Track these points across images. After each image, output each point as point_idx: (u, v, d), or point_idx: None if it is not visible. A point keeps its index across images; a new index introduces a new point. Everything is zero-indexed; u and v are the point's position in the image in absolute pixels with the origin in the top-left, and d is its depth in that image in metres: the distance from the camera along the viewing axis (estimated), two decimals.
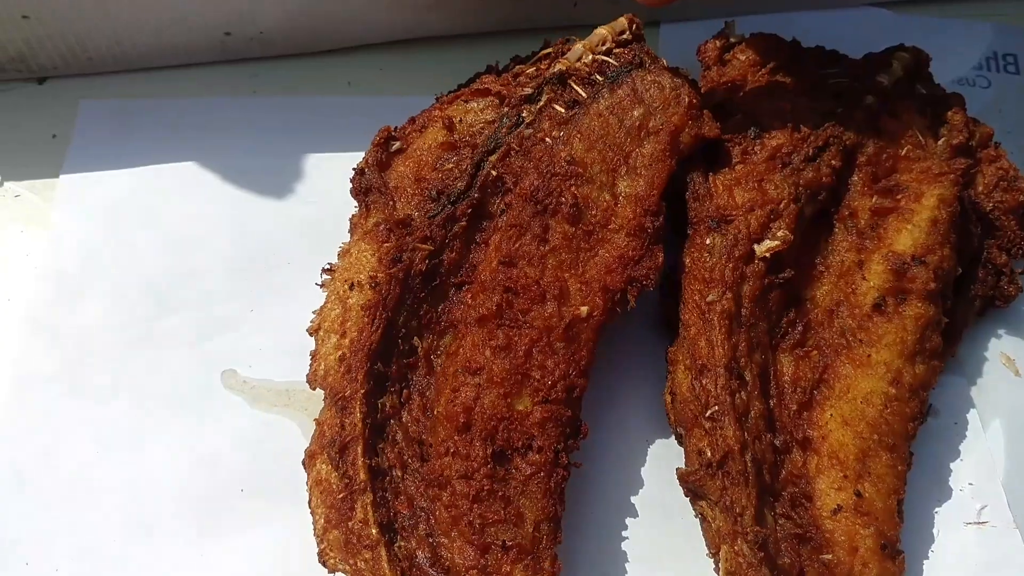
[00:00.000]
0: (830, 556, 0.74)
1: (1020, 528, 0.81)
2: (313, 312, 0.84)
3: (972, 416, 0.87)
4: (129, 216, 0.97)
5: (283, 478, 0.82)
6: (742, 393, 0.78)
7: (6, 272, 0.95)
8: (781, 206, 0.84)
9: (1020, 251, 0.90)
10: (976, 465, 0.84)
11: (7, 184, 1.01)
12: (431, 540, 0.74)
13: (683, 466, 0.79)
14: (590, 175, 0.84)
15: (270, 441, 0.85)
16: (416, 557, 0.74)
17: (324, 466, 0.76)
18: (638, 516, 0.83)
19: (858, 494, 0.75)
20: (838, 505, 0.75)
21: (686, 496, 0.79)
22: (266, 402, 0.87)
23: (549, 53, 0.92)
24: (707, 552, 0.77)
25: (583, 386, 0.79)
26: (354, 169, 0.87)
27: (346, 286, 0.82)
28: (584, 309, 0.80)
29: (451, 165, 0.86)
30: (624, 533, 0.82)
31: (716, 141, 0.88)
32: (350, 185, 0.87)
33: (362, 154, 0.98)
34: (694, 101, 0.86)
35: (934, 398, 0.86)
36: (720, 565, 0.74)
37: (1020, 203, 0.91)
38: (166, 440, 0.85)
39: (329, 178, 0.99)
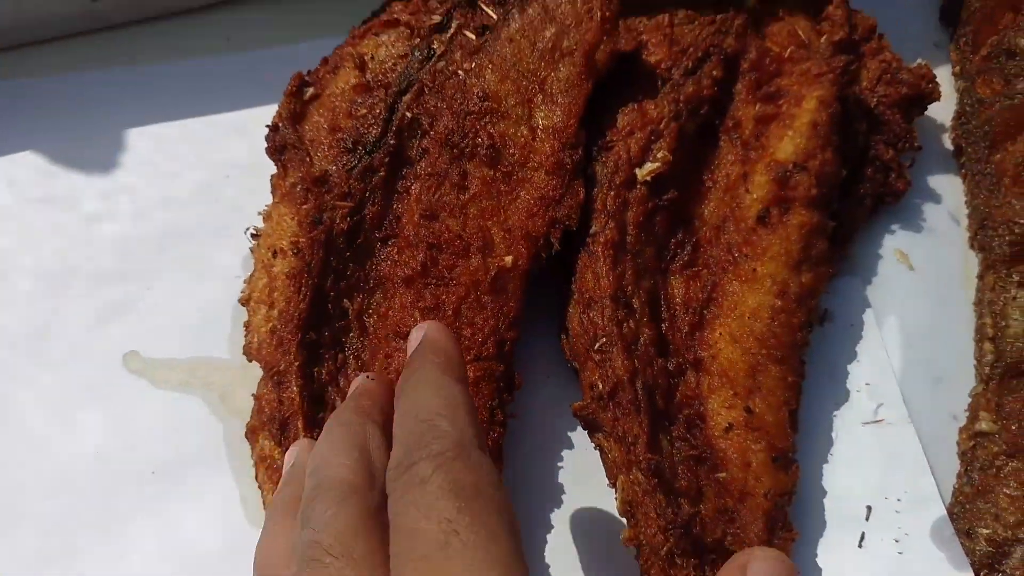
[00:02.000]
0: (724, 474, 0.75)
1: (915, 422, 0.82)
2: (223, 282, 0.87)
3: (868, 315, 0.87)
4: (17, 201, 0.95)
5: (195, 454, 0.83)
6: (630, 322, 0.78)
7: None
8: (661, 126, 0.83)
9: (906, 145, 0.90)
10: (872, 365, 0.85)
11: None
12: None
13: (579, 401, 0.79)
14: (505, 109, 0.81)
15: (177, 419, 0.85)
16: None
17: (267, 442, 0.76)
18: (574, 448, 0.83)
19: (748, 410, 0.76)
20: (729, 423, 0.76)
21: (584, 429, 0.79)
22: (171, 381, 0.86)
23: None
24: (607, 483, 0.78)
25: (513, 338, 0.78)
26: (267, 126, 0.85)
27: (269, 253, 0.81)
28: (508, 259, 0.78)
29: (365, 110, 0.83)
30: (560, 465, 0.83)
31: (632, 55, 0.85)
32: (265, 144, 0.84)
33: (251, 111, 0.97)
34: (607, 14, 0.81)
35: (829, 302, 0.87)
36: (617, 495, 0.75)
37: (904, 96, 0.90)
38: (74, 428, 0.84)
39: (219, 142, 0.97)
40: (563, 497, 0.81)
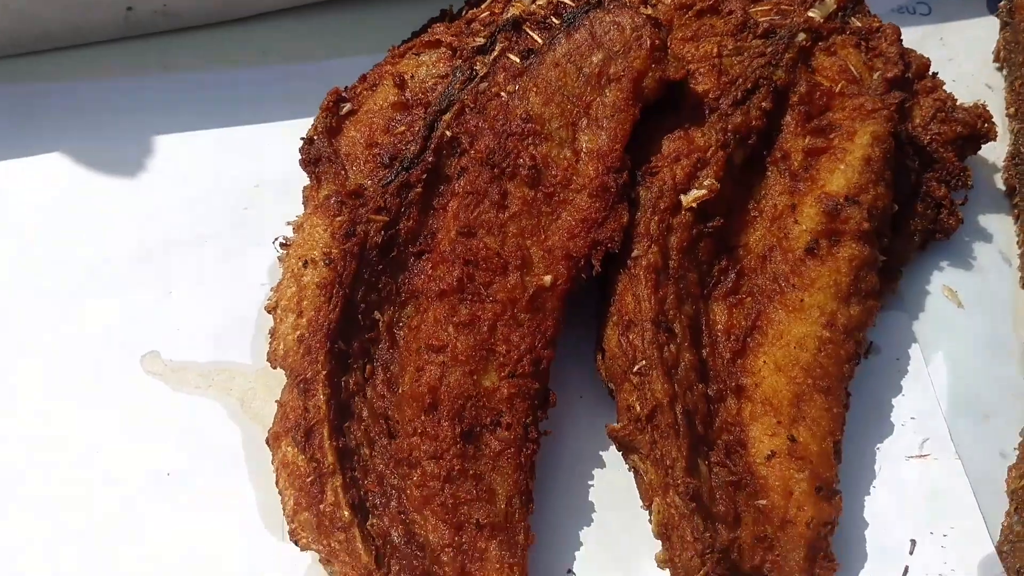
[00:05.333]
0: (765, 501, 0.74)
1: (962, 458, 0.81)
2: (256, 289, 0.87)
3: (914, 351, 0.86)
4: (41, 205, 0.96)
5: (213, 458, 0.83)
6: (671, 346, 0.77)
7: None
8: (708, 154, 0.82)
9: (959, 183, 0.89)
10: (918, 399, 0.84)
11: None
12: (404, 518, 0.74)
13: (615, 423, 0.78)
14: (548, 132, 0.81)
15: (195, 423, 0.85)
16: (390, 535, 0.74)
17: (290, 448, 0.76)
18: (605, 467, 0.82)
19: (792, 439, 0.75)
20: (771, 451, 0.75)
21: (618, 451, 0.78)
22: (189, 385, 0.87)
23: None
24: (641, 505, 0.76)
25: (550, 357, 0.78)
26: (303, 138, 0.85)
27: (300, 263, 0.81)
28: (548, 278, 0.78)
29: (403, 127, 0.84)
30: (591, 484, 0.82)
31: (680, 84, 0.84)
32: (298, 155, 0.85)
33: (283, 124, 0.97)
34: (656, 42, 0.81)
35: (875, 335, 0.86)
36: (652, 518, 0.75)
37: (958, 134, 0.89)
38: (88, 425, 0.84)
39: (249, 153, 0.98)
40: (593, 516, 0.80)
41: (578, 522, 0.80)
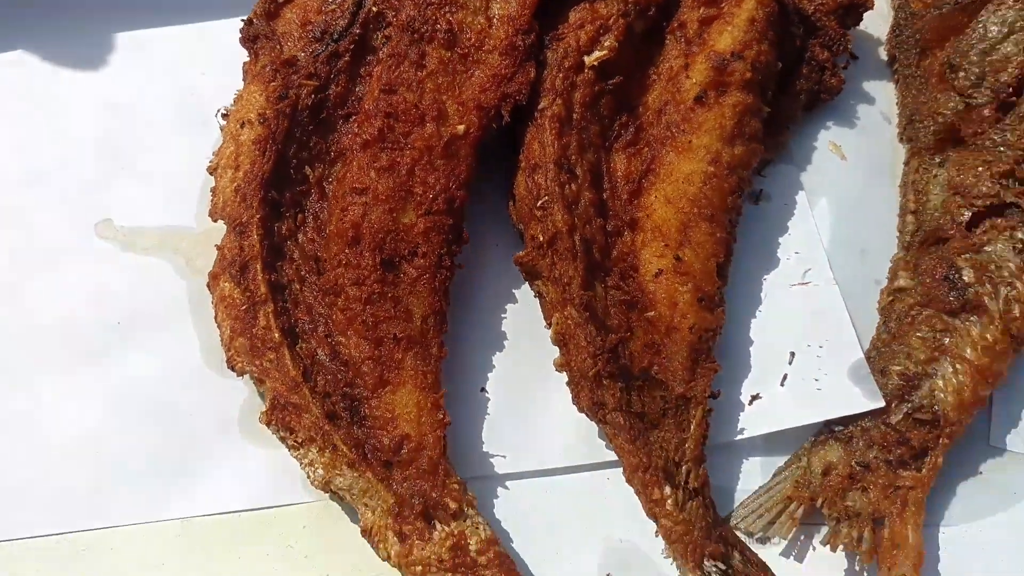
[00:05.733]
0: (653, 313, 0.82)
1: (842, 288, 0.90)
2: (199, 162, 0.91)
3: (801, 197, 0.94)
4: (7, 97, 1.01)
5: (160, 309, 0.91)
6: (572, 185, 0.85)
7: None
8: (610, 21, 0.90)
9: (840, 47, 0.97)
10: (803, 238, 0.92)
11: None
12: (330, 340, 0.82)
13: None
14: (464, 1, 0.89)
15: (144, 280, 0.92)
16: (317, 355, 0.82)
17: (227, 284, 0.83)
18: (517, 303, 0.91)
19: (678, 258, 0.83)
20: (659, 269, 0.83)
21: (525, 279, 0.86)
22: (139, 247, 0.94)
23: None
24: (543, 325, 0.84)
25: (463, 198, 0.85)
26: (243, 20, 0.93)
27: (237, 125, 0.88)
28: (461, 127, 0.86)
29: (335, 6, 0.91)
30: (503, 316, 0.90)
31: None
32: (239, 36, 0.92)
33: (225, 22, 1.04)
34: None
35: (766, 185, 0.95)
36: (552, 330, 0.82)
37: (839, 3, 0.97)
38: (47, 287, 0.92)
39: (196, 45, 1.05)
40: (504, 343, 0.89)
41: (490, 348, 0.88)
